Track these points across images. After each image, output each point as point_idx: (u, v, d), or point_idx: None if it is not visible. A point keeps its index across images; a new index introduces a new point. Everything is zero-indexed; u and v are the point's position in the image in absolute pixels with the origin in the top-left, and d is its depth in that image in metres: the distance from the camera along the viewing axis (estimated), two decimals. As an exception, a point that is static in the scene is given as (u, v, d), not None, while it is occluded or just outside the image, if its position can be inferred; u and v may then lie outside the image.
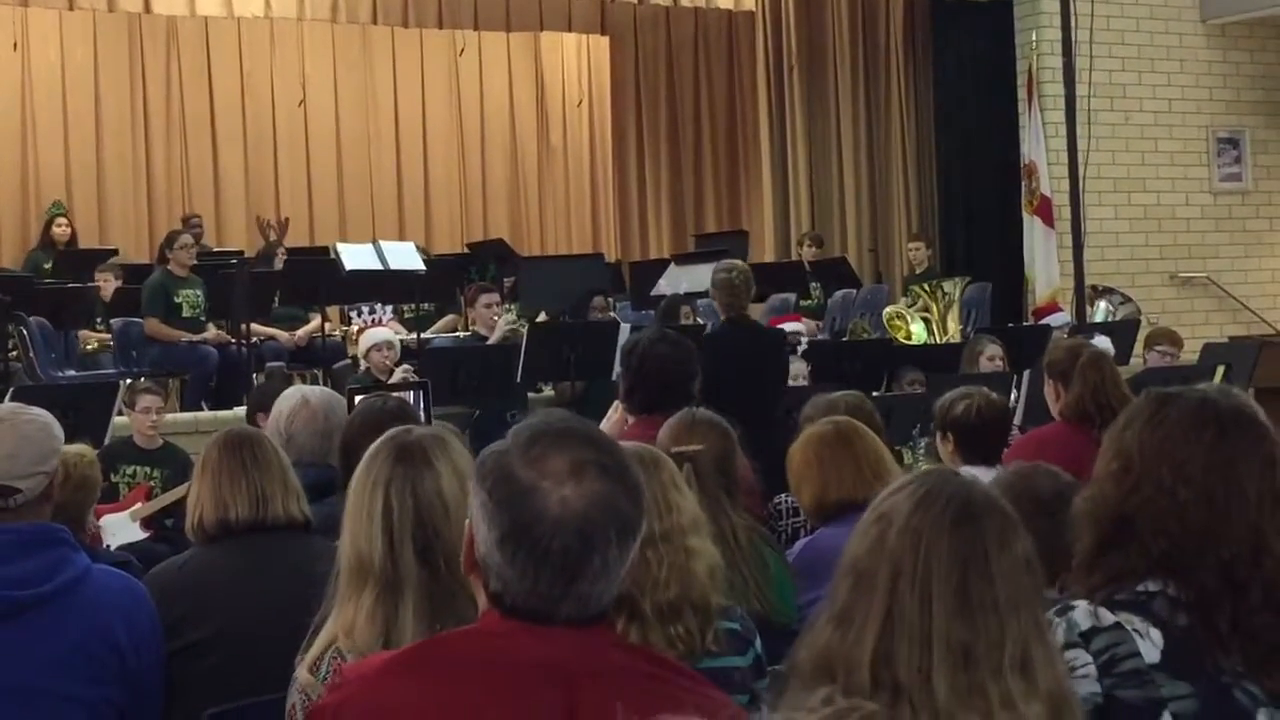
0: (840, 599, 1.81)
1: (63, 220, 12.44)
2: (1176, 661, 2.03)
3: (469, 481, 2.47)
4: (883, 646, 1.75)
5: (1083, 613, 2.07)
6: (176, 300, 9.83)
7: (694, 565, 2.75)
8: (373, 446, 2.60)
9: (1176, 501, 2.08)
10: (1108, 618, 2.06)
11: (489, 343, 9.20)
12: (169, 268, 9.99)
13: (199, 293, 9.94)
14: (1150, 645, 2.04)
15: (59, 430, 3.16)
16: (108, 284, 10.47)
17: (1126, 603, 2.08)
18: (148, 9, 13.00)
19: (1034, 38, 12.48)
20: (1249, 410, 2.19)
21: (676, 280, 10.08)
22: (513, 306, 10.34)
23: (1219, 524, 2.06)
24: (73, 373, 9.58)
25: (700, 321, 9.26)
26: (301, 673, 2.47)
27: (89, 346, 10.27)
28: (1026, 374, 7.49)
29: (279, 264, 10.95)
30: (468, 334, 9.93)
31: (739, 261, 7.92)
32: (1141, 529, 2.10)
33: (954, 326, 10.64)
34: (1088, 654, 2.04)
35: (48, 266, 11.64)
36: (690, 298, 9.67)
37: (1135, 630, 2.05)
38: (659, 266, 11.13)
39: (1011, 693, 1.74)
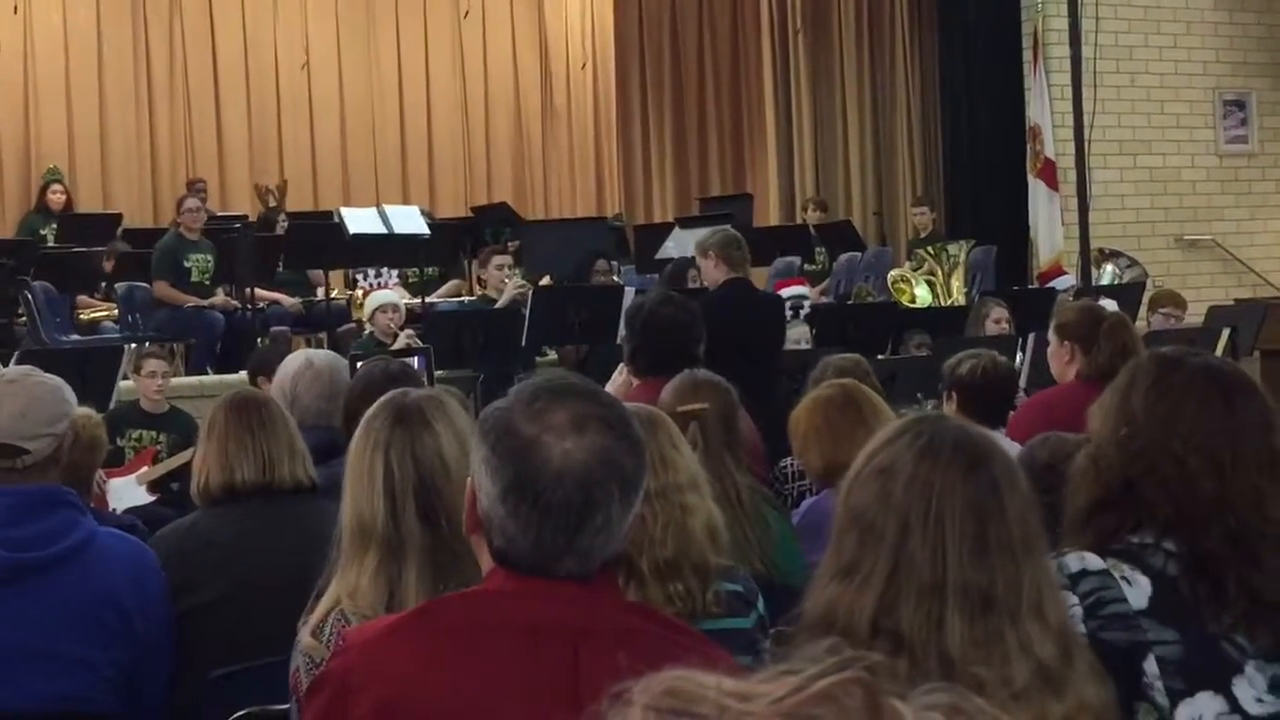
0: (846, 553, 1.82)
1: (58, 187, 12.20)
2: (1164, 608, 2.06)
3: (468, 442, 2.46)
4: (888, 598, 1.77)
5: (1073, 558, 2.11)
6: (186, 264, 9.81)
7: (691, 523, 2.73)
8: (370, 410, 2.58)
9: (1184, 469, 2.11)
10: (1096, 563, 2.09)
11: (497, 306, 9.21)
12: (180, 231, 9.98)
13: (209, 257, 9.91)
14: (1138, 591, 2.07)
15: (71, 395, 3.15)
16: (109, 262, 10.37)
17: (1117, 551, 2.12)
18: (150, -29, 12.96)
19: (1040, -1, 12.43)
20: (1250, 378, 2.25)
21: (683, 243, 10.04)
22: (517, 270, 10.34)
23: (1226, 490, 2.09)
24: (77, 337, 9.57)
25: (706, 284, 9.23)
26: (305, 636, 2.47)
27: (83, 315, 10.18)
28: (1031, 336, 7.48)
29: (280, 230, 10.94)
30: (476, 297, 9.93)
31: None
32: (1145, 494, 2.12)
33: (958, 290, 10.63)
34: (1074, 596, 2.06)
35: (44, 232, 11.57)
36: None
37: (1123, 577, 2.08)
38: (663, 230, 11.11)
39: (1030, 636, 1.77)
